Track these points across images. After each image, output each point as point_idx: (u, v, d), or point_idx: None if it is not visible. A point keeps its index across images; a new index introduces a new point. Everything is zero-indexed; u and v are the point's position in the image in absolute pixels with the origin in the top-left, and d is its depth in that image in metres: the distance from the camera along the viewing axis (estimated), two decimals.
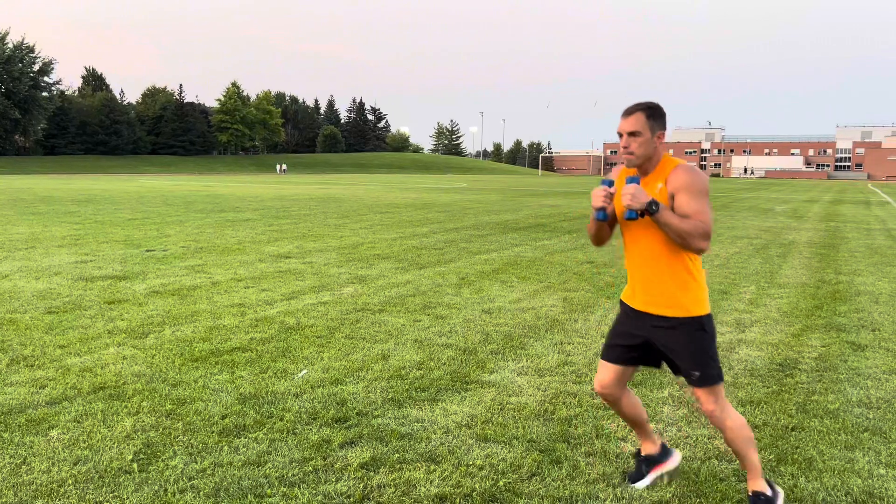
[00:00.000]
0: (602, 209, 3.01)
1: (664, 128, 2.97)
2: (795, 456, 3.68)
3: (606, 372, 3.21)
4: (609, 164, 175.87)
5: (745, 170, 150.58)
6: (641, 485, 3.31)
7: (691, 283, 2.97)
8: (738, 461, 3.60)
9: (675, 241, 2.86)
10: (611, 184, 3.03)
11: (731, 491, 3.29)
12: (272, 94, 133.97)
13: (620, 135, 2.97)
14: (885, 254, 12.14)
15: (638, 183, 2.86)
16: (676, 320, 2.97)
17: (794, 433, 3.98)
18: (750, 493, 3.09)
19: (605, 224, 3.13)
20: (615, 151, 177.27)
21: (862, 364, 5.35)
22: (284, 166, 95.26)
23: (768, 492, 3.07)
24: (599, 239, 3.23)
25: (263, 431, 3.89)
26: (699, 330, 2.96)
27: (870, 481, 3.42)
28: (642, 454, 3.39)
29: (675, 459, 3.39)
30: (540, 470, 3.48)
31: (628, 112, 2.96)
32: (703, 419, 4.17)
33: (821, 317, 6.96)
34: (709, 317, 3.00)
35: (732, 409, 3.05)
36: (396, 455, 3.61)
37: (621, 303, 3.24)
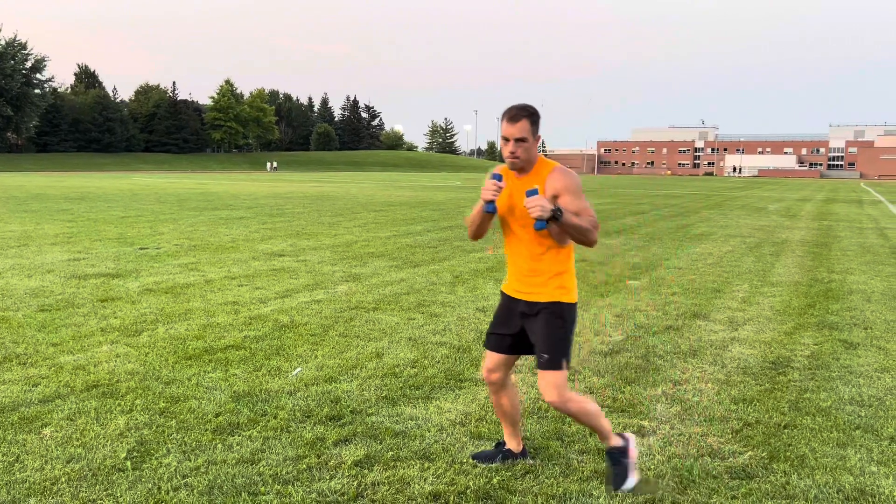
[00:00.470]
0: (492, 201, 3.08)
1: (539, 130, 3.16)
2: (788, 453, 3.69)
3: (491, 358, 3.42)
4: (603, 163, 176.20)
5: (735, 168, 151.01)
6: (491, 465, 3.49)
7: (564, 274, 3.22)
8: (729, 459, 3.62)
9: (574, 238, 3.07)
10: (500, 178, 3.09)
11: (723, 488, 3.31)
12: (266, 91, 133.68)
13: (507, 139, 3.09)
14: (878, 252, 12.20)
15: (537, 194, 2.97)
16: (541, 305, 3.20)
17: (786, 431, 4.00)
18: (606, 450, 3.33)
19: (488, 217, 3.18)
20: (609, 150, 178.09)
21: (854, 362, 5.38)
22: (275, 164, 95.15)
23: (621, 443, 3.33)
24: (480, 232, 3.27)
25: (257, 429, 3.89)
26: (559, 315, 3.19)
27: (861, 478, 3.44)
28: (505, 447, 3.58)
29: (529, 462, 3.58)
30: (533, 468, 3.48)
31: (514, 118, 3.07)
32: (696, 417, 4.18)
33: (813, 315, 7.00)
34: (572, 306, 3.23)
35: (574, 394, 3.26)
36: (391, 453, 3.61)
37: (502, 293, 3.42)
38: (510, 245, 3.30)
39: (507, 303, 3.35)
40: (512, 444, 3.56)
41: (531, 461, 3.55)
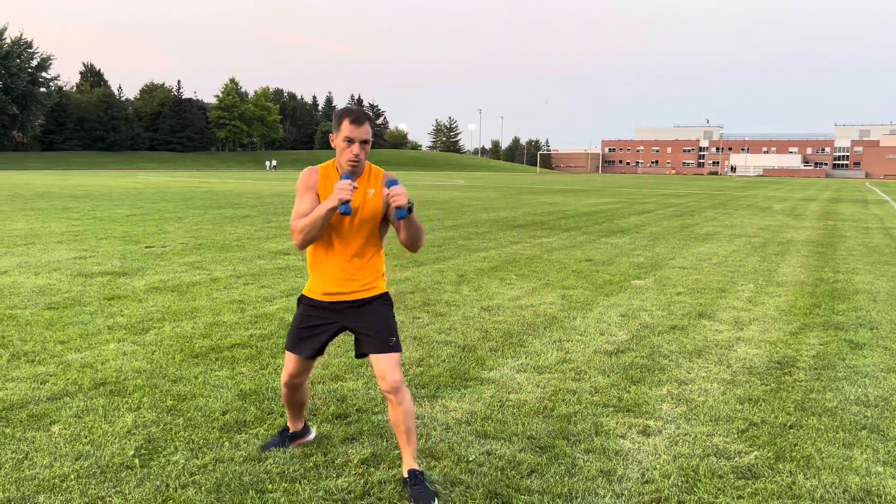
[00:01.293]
0: (348, 202, 3.00)
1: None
2: (794, 454, 3.70)
3: (298, 365, 3.40)
4: (607, 162, 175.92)
5: (733, 168, 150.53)
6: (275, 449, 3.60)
7: (382, 269, 3.34)
8: (735, 459, 3.62)
9: (408, 239, 3.16)
10: (351, 178, 3.05)
11: (729, 488, 3.31)
12: (270, 90, 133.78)
13: (351, 140, 3.06)
14: (883, 252, 12.18)
15: (398, 184, 3.06)
16: (376, 298, 3.28)
17: (792, 431, 4.00)
18: (408, 474, 3.22)
19: (332, 220, 3.12)
20: (613, 149, 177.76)
21: (860, 362, 5.38)
22: (275, 162, 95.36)
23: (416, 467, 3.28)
24: (317, 238, 3.12)
25: (264, 427, 3.90)
26: (389, 304, 3.33)
27: (867, 479, 3.44)
28: (290, 431, 3.69)
29: (312, 434, 3.77)
30: (539, 466, 3.49)
31: (360, 120, 3.07)
32: (701, 416, 4.19)
33: (819, 315, 6.99)
34: (388, 294, 3.37)
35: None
36: (397, 451, 3.62)
37: (307, 299, 3.35)
38: (332, 250, 3.22)
39: (322, 307, 3.29)
40: (295, 426, 3.69)
41: (312, 434, 3.75)
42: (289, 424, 3.70)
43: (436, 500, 3.13)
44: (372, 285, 3.27)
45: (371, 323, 3.24)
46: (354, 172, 3.13)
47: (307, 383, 3.58)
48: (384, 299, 3.30)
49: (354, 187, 3.02)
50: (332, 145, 3.15)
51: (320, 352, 3.39)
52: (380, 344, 3.21)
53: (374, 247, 3.27)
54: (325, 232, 3.16)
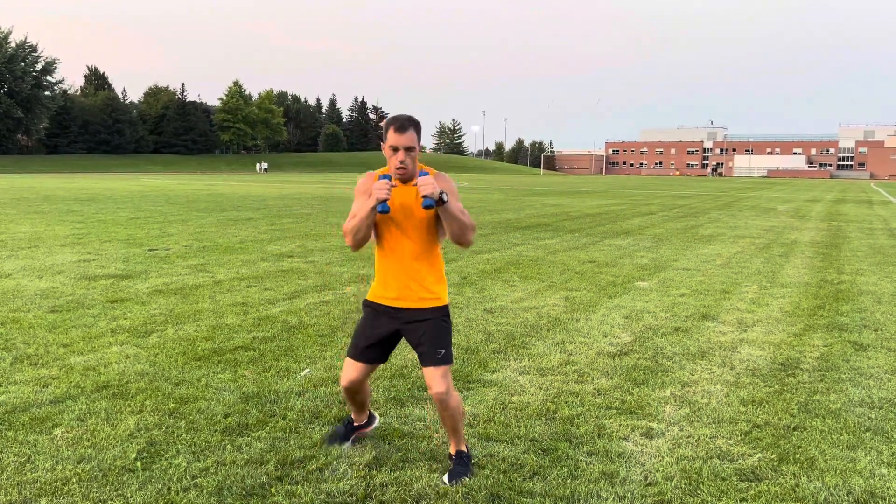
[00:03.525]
0: (385, 201, 3.08)
1: (420, 140, 3.26)
2: (797, 455, 3.68)
3: (358, 371, 3.46)
4: (611, 163, 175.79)
5: (714, 170, 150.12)
6: (345, 445, 3.68)
7: (443, 277, 3.39)
8: (739, 461, 3.61)
9: (452, 233, 3.18)
10: (389, 178, 3.14)
11: (732, 490, 3.30)
12: (274, 93, 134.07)
13: (396, 149, 3.15)
14: (888, 253, 12.14)
15: (428, 175, 3.12)
16: (432, 310, 3.33)
17: (795, 433, 3.99)
18: (454, 454, 3.45)
19: (374, 220, 3.20)
20: (617, 151, 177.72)
21: (864, 364, 5.36)
22: (265, 165, 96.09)
23: (466, 449, 3.49)
24: (366, 238, 3.23)
25: (266, 430, 3.90)
26: (447, 316, 3.38)
27: (871, 481, 3.42)
28: (354, 424, 3.76)
29: (376, 422, 3.87)
30: (542, 469, 3.49)
31: (404, 128, 3.14)
32: (705, 418, 4.17)
33: (823, 316, 6.96)
34: (448, 307, 3.41)
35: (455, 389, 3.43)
36: (399, 454, 3.62)
37: (370, 304, 3.43)
38: (388, 253, 3.32)
39: (384, 311, 3.38)
40: (360, 419, 3.77)
41: (376, 422, 3.85)
42: (354, 417, 3.76)
43: (465, 478, 3.33)
44: (431, 292, 3.32)
45: (424, 335, 3.31)
46: (403, 179, 3.20)
47: (367, 386, 3.65)
48: (440, 312, 3.35)
49: (392, 186, 3.11)
50: (384, 154, 3.24)
51: (378, 360, 3.47)
52: (429, 357, 3.30)
53: (430, 250, 3.31)
54: (382, 236, 3.29)
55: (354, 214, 3.21)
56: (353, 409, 3.72)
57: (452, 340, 4.30)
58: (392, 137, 3.15)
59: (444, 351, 3.32)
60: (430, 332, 3.31)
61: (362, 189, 3.28)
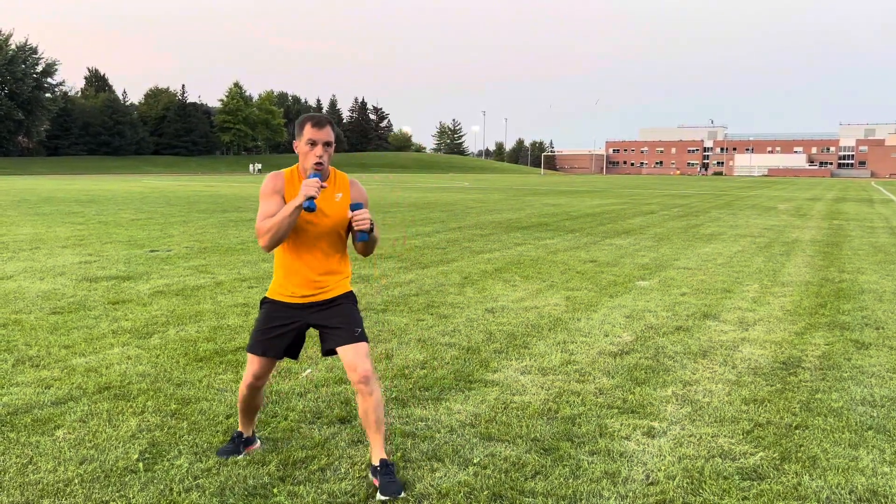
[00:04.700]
0: (313, 198, 3.08)
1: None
2: (799, 454, 3.68)
3: (262, 367, 3.42)
4: (611, 163, 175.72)
5: (705, 167, 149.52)
6: (234, 457, 3.55)
7: (348, 271, 3.43)
8: (741, 460, 3.60)
9: (365, 251, 3.30)
10: (320, 177, 3.15)
11: (734, 489, 3.30)
12: (274, 94, 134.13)
13: (314, 143, 3.16)
14: (889, 252, 12.13)
15: (363, 208, 3.22)
16: (342, 296, 3.36)
17: (797, 431, 3.99)
18: (378, 464, 3.26)
19: (294, 219, 3.13)
20: (617, 150, 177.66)
21: (866, 362, 5.35)
22: (259, 166, 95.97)
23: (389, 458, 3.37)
24: (284, 238, 3.16)
25: (268, 431, 3.90)
26: (354, 301, 3.42)
27: (874, 479, 3.42)
28: (244, 437, 3.64)
29: (257, 443, 3.71)
30: (543, 468, 3.49)
31: (321, 123, 3.17)
32: (706, 417, 4.17)
33: (824, 315, 6.96)
34: (353, 294, 3.47)
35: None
36: (400, 454, 3.62)
37: (271, 301, 3.38)
38: (300, 253, 3.27)
39: (289, 307, 3.33)
40: (247, 431, 3.66)
41: (258, 444, 3.69)
42: (242, 430, 3.65)
43: (402, 493, 3.16)
44: (338, 286, 3.36)
45: (336, 317, 3.31)
46: (320, 174, 3.19)
47: (264, 387, 3.61)
48: (349, 297, 3.39)
49: (322, 186, 3.12)
50: (296, 151, 3.23)
51: (287, 353, 3.41)
52: (346, 336, 3.28)
53: (340, 250, 3.36)
54: (293, 234, 3.23)
55: (271, 214, 3.14)
56: (244, 419, 3.60)
57: (454, 341, 4.33)
58: (310, 132, 3.14)
59: (360, 329, 3.32)
60: (339, 311, 3.31)
61: (272, 189, 3.21)
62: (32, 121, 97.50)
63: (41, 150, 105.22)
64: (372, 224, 3.20)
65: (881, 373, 5.09)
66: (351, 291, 3.42)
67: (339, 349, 3.29)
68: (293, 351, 3.45)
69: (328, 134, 3.17)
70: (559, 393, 4.57)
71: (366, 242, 3.24)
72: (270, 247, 3.16)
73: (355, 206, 3.21)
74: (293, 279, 3.30)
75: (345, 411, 4.18)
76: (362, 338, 3.31)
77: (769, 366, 5.23)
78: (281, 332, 3.36)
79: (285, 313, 3.34)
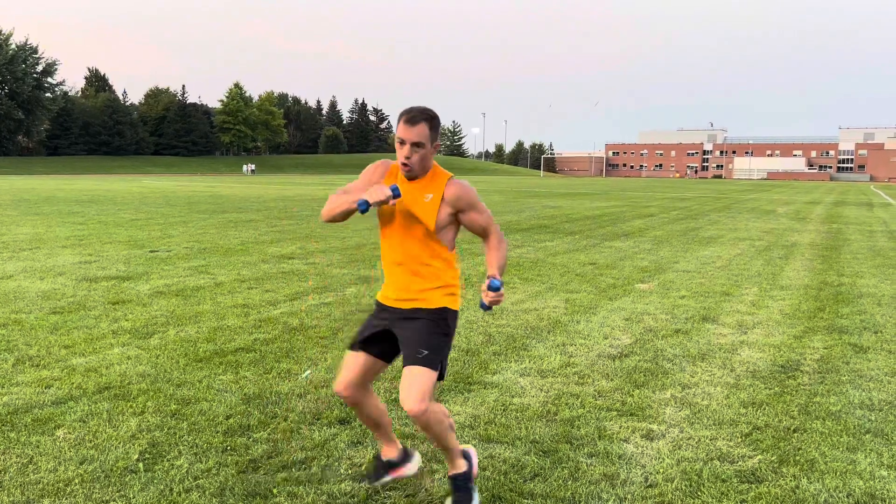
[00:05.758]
0: (367, 202, 2.82)
1: (438, 138, 2.97)
2: (797, 457, 3.69)
3: (355, 364, 3.14)
4: (611, 165, 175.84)
5: (695, 170, 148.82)
6: (378, 483, 3.29)
7: (445, 280, 3.04)
8: (739, 462, 3.62)
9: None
10: (398, 192, 2.84)
11: (732, 492, 3.31)
12: (275, 94, 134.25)
13: (403, 142, 2.88)
14: (888, 256, 12.15)
15: (500, 289, 2.90)
16: (428, 311, 3.01)
17: (796, 435, 4.00)
18: (449, 477, 3.13)
19: (347, 216, 2.98)
20: (617, 153, 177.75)
21: (864, 366, 5.37)
22: (252, 166, 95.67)
23: (464, 468, 3.12)
24: (336, 220, 3.00)
25: (267, 431, 3.91)
26: (443, 320, 3.02)
27: (871, 483, 3.43)
28: (382, 458, 3.32)
29: (413, 465, 3.35)
30: (542, 470, 3.50)
31: (413, 120, 2.86)
32: (705, 420, 4.18)
33: (823, 319, 6.97)
34: (452, 312, 3.05)
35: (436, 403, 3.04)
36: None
37: (376, 301, 3.21)
38: (387, 252, 3.09)
39: (379, 310, 3.15)
40: (387, 452, 3.33)
41: (415, 464, 3.36)
42: (381, 450, 3.34)
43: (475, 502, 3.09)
44: (429, 297, 3.02)
45: (409, 331, 3.00)
46: (408, 177, 2.95)
47: (374, 396, 3.23)
48: (435, 313, 3.01)
49: (392, 202, 2.89)
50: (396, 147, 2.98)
51: (381, 356, 3.14)
52: (409, 355, 2.96)
53: (434, 256, 3.02)
54: (382, 233, 3.08)
55: (346, 191, 2.99)
56: (375, 435, 3.31)
57: (453, 343, 4.28)
58: (401, 129, 2.87)
59: (425, 351, 2.93)
60: (417, 328, 2.99)
61: (367, 178, 3.05)
62: (32, 120, 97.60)
63: (41, 149, 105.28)
64: (500, 285, 2.91)
65: (879, 376, 5.11)
66: (444, 308, 3.03)
67: (404, 368, 2.97)
68: (380, 350, 3.13)
69: (418, 134, 2.85)
70: (558, 395, 4.58)
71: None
72: (324, 219, 3.03)
73: (493, 285, 2.89)
74: (387, 279, 3.12)
75: (344, 412, 4.18)
76: (426, 362, 2.91)
77: (768, 369, 5.25)
78: (369, 323, 3.16)
79: (378, 311, 3.15)
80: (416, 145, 2.87)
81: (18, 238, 12.81)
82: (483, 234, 3.10)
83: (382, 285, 3.18)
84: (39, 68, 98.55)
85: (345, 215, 2.96)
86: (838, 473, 3.52)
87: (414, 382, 2.88)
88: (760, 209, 25.76)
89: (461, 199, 2.97)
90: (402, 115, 2.90)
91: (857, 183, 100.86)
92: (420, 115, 2.88)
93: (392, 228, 3.04)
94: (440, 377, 2.98)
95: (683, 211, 24.29)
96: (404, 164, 2.91)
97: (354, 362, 3.14)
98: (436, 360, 2.94)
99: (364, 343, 3.14)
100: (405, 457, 3.33)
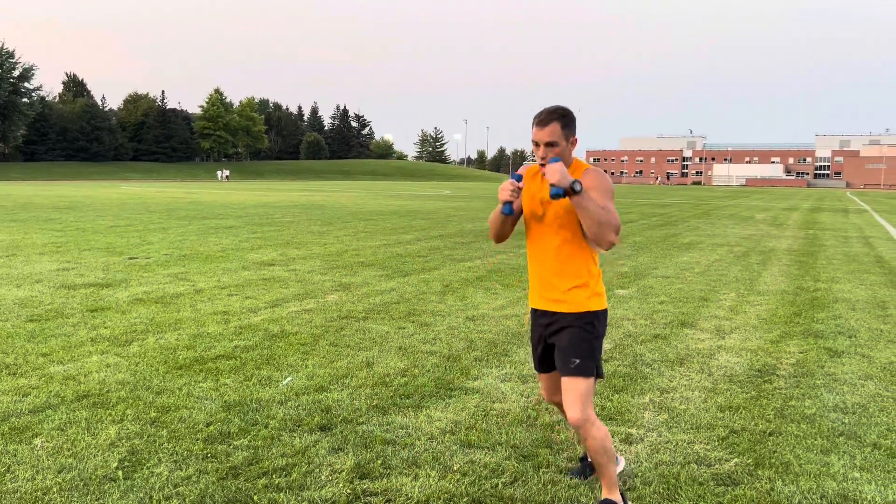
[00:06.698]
0: (509, 203, 3.00)
1: (575, 133, 3.02)
2: (773, 460, 3.75)
3: (545, 381, 3.37)
4: None
5: (668, 176, 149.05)
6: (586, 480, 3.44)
7: (590, 281, 3.08)
8: (715, 466, 3.67)
9: (589, 230, 2.86)
10: (520, 178, 3.01)
11: (709, 495, 3.35)
12: (255, 100, 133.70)
13: (537, 144, 2.97)
14: (862, 261, 12.34)
15: (559, 162, 2.86)
16: (573, 316, 3.05)
17: (771, 438, 4.06)
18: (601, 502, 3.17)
19: (509, 219, 3.12)
20: (598, 159, 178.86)
21: (838, 370, 5.46)
22: (227, 172, 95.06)
23: (617, 499, 3.17)
24: (501, 235, 3.17)
25: (248, 439, 3.90)
26: (590, 323, 3.06)
27: (844, 484, 3.50)
28: (588, 459, 3.45)
29: (619, 463, 3.47)
30: (522, 475, 3.52)
31: (544, 122, 2.95)
32: (683, 424, 4.24)
33: (799, 323, 7.08)
34: (599, 313, 3.09)
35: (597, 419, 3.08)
36: (381, 461, 3.64)
37: (531, 311, 3.26)
38: (531, 252, 3.15)
39: (534, 315, 3.23)
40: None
41: (620, 465, 3.52)
42: (586, 451, 3.40)
43: None
44: (576, 300, 3.05)
45: (561, 340, 3.06)
46: (520, 176, 3.04)
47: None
48: (582, 318, 3.04)
49: (518, 188, 2.99)
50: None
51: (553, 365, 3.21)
52: (562, 366, 3.04)
53: (579, 254, 3.04)
54: (527, 232, 3.15)
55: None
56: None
57: (434, 349, 4.32)
58: (534, 132, 2.97)
59: (577, 360, 2.99)
60: (567, 336, 3.04)
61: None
62: (9, 126, 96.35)
63: (18, 155, 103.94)
64: (574, 182, 2.79)
65: (853, 380, 5.19)
66: (590, 311, 3.05)
67: (561, 378, 3.07)
68: (554, 363, 3.17)
69: (549, 134, 2.92)
70: (539, 400, 4.61)
71: (583, 218, 2.84)
72: (495, 241, 3.20)
73: (552, 161, 2.88)
74: (532, 281, 3.18)
75: (325, 419, 4.19)
76: (580, 371, 2.98)
77: (745, 373, 5.32)
78: (533, 341, 3.27)
79: (534, 322, 3.24)
80: (550, 144, 2.95)
81: None
82: None
83: (529, 290, 3.24)
84: (16, 73, 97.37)
85: (502, 226, 3.12)
86: (812, 475, 3.58)
87: (570, 393, 3.00)
88: (739, 215, 26.04)
89: (590, 179, 2.98)
90: (535, 117, 2.99)
91: (834, 189, 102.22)
92: (550, 116, 2.96)
93: (534, 228, 3.12)
94: (598, 376, 3.11)
95: (663, 217, 24.50)
96: (542, 165, 2.98)
97: (544, 382, 3.36)
98: (590, 366, 3.04)
99: (540, 364, 3.30)
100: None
